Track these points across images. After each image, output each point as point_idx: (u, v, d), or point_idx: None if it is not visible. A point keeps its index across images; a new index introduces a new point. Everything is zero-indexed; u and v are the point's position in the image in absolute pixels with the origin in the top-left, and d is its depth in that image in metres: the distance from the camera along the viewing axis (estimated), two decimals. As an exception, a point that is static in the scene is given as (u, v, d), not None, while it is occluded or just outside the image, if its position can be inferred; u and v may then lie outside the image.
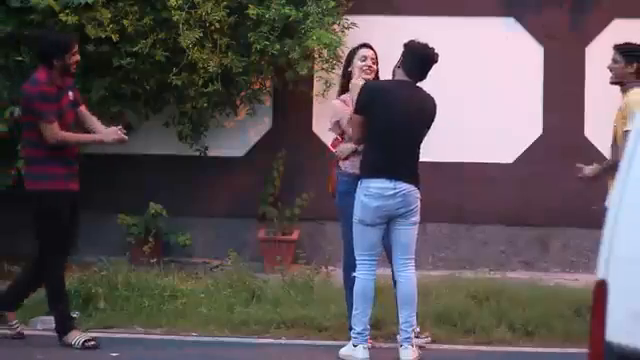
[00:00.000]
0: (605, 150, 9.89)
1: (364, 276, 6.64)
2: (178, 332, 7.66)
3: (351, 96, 6.93)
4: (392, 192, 6.54)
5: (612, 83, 7.11)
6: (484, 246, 9.26)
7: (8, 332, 7.35)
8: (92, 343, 7.08)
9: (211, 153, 10.25)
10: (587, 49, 10.10)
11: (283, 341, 7.42)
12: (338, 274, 7.56)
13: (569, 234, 10.05)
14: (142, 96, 9.85)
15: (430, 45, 6.79)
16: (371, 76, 7.04)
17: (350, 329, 6.79)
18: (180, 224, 10.18)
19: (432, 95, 6.88)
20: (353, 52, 7.19)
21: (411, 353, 6.58)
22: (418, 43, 6.79)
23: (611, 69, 7.09)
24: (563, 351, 7.14)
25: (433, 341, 7.23)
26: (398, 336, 6.65)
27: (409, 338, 6.60)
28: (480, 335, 7.56)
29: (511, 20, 10.17)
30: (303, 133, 10.08)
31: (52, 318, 7.79)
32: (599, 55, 10.04)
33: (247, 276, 8.57)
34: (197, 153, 10.18)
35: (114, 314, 7.94)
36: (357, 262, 6.70)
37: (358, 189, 6.64)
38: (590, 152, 9.96)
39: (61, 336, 7.17)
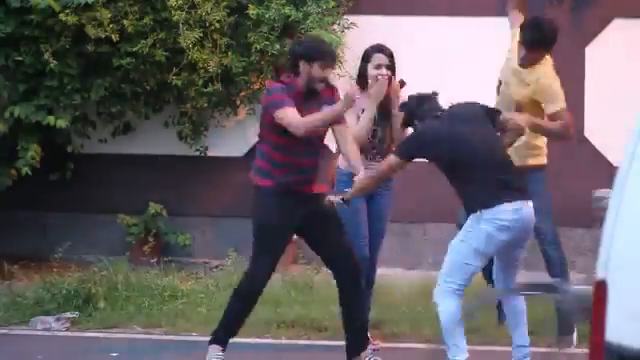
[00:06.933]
0: (605, 150, 9.93)
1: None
2: (178, 332, 7.66)
3: (371, 98, 6.85)
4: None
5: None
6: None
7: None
8: None
9: (211, 153, 10.25)
10: (587, 49, 10.10)
11: (283, 341, 7.42)
12: (338, 274, 7.55)
13: (569, 234, 10.04)
14: (142, 96, 9.86)
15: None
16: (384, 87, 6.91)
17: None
18: (180, 224, 10.19)
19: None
20: (368, 54, 6.97)
21: None
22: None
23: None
24: (563, 351, 7.13)
25: (429, 341, 7.23)
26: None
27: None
28: (480, 335, 7.55)
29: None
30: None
31: (50, 318, 7.79)
32: (599, 55, 10.06)
33: (247, 276, 8.57)
34: (197, 153, 10.18)
35: (114, 314, 7.94)
36: (450, 289, 6.19)
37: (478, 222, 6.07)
38: (590, 152, 9.97)
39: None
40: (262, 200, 6.48)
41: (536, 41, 7.00)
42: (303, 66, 6.34)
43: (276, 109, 6.26)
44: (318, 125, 6.34)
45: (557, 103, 6.95)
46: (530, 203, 6.17)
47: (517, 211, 6.06)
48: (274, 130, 6.36)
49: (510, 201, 6.04)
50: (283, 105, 6.26)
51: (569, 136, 7.18)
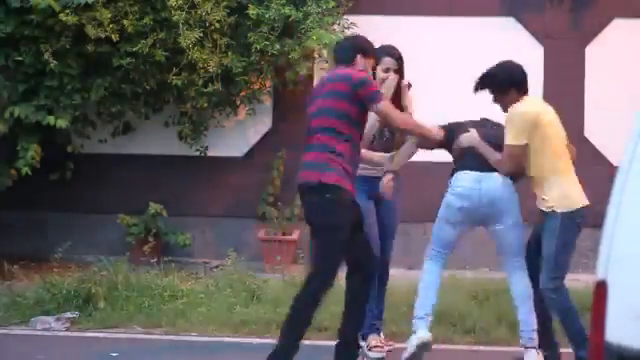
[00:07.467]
0: (605, 150, 9.94)
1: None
2: (178, 332, 7.66)
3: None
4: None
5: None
6: (484, 246, 9.22)
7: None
8: None
9: (211, 153, 10.26)
10: (587, 49, 10.11)
11: (283, 341, 7.40)
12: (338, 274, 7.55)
13: (569, 234, 10.04)
14: (142, 96, 9.86)
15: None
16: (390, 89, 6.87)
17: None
18: (180, 224, 10.20)
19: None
20: (377, 57, 6.82)
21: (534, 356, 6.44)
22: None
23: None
24: (563, 351, 7.12)
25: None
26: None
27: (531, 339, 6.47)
28: (480, 335, 7.56)
29: (511, 20, 10.18)
30: (303, 133, 10.07)
31: (50, 318, 7.78)
32: (599, 55, 10.07)
33: (247, 276, 8.58)
34: (197, 153, 10.19)
35: (114, 314, 7.94)
36: (431, 253, 6.66)
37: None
38: (590, 152, 9.97)
39: None
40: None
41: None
42: (360, 60, 6.30)
43: (378, 99, 6.14)
44: (414, 130, 6.50)
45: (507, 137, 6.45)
46: (496, 174, 6.39)
47: (476, 181, 6.38)
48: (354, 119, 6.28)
49: (471, 170, 6.40)
50: (382, 96, 6.22)
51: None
